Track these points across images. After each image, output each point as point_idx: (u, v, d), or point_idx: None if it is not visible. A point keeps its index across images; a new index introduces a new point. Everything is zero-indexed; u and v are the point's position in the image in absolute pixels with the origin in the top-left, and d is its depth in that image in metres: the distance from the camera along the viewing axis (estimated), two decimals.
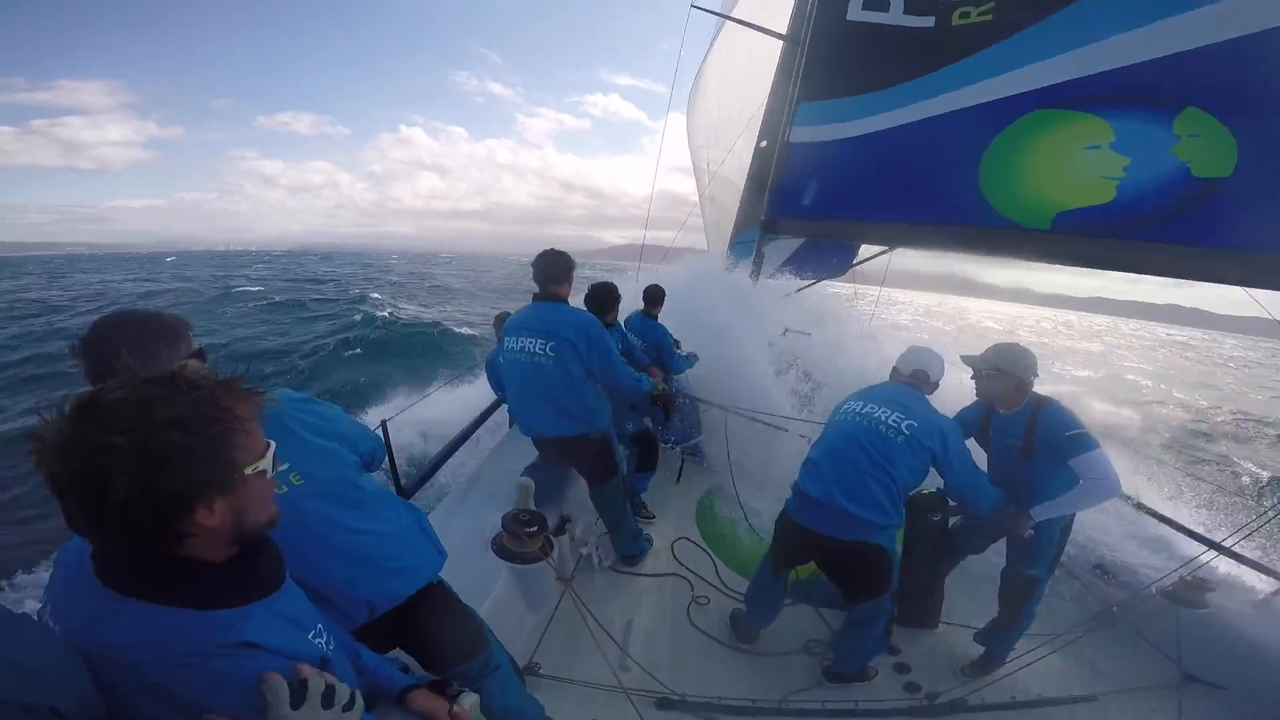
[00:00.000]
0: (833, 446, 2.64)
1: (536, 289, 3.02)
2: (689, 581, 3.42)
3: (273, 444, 0.95)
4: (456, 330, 19.40)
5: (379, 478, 2.38)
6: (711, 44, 10.12)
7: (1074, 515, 2.84)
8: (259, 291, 31.96)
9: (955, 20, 4.98)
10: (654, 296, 4.44)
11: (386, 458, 2.72)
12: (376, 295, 27.83)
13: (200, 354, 1.36)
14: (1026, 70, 4.55)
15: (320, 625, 1.07)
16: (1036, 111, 4.51)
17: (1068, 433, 2.61)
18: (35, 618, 0.92)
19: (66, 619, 0.88)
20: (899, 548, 2.78)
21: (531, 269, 3.00)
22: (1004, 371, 2.74)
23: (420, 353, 16.42)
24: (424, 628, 1.64)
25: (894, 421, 2.53)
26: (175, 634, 0.85)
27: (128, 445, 0.76)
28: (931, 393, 2.75)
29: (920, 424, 2.51)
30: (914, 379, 2.74)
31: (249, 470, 0.89)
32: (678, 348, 4.46)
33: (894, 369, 2.83)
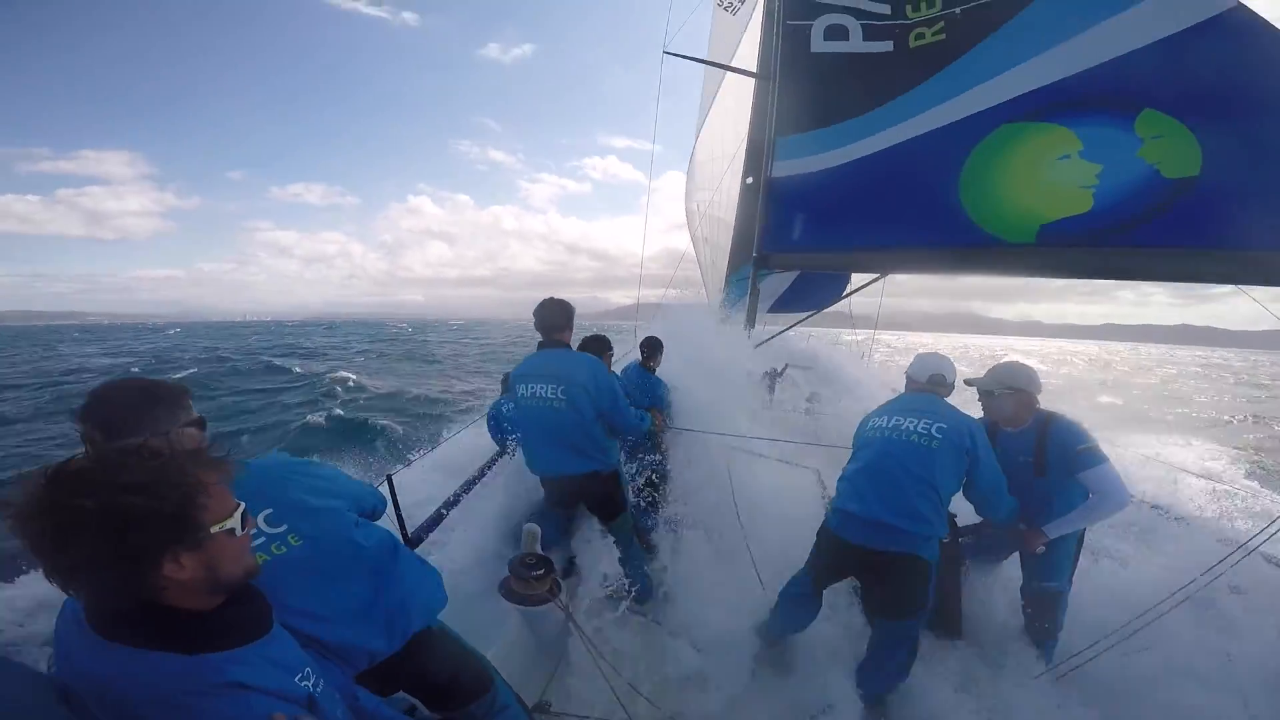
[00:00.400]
0: (868, 463, 2.64)
1: (540, 339, 3.15)
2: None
3: (241, 505, 1.04)
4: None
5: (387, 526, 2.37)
6: (703, 97, 10.34)
7: (1085, 529, 2.84)
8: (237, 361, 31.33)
9: (912, 43, 5.09)
10: (652, 347, 4.47)
11: (391, 509, 2.76)
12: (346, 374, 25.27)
13: (200, 422, 1.43)
14: (986, 86, 4.64)
15: (308, 669, 1.14)
16: (1004, 126, 4.57)
17: (1080, 447, 2.66)
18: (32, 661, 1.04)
19: (66, 664, 0.98)
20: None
21: (534, 318, 3.12)
22: (1017, 389, 2.80)
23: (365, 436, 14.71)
24: (424, 670, 1.70)
25: (923, 429, 2.55)
26: (165, 676, 0.93)
27: (93, 507, 0.85)
28: (948, 395, 2.77)
29: (950, 425, 2.55)
30: (931, 384, 2.78)
31: (215, 529, 0.98)
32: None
33: (909, 379, 2.88)
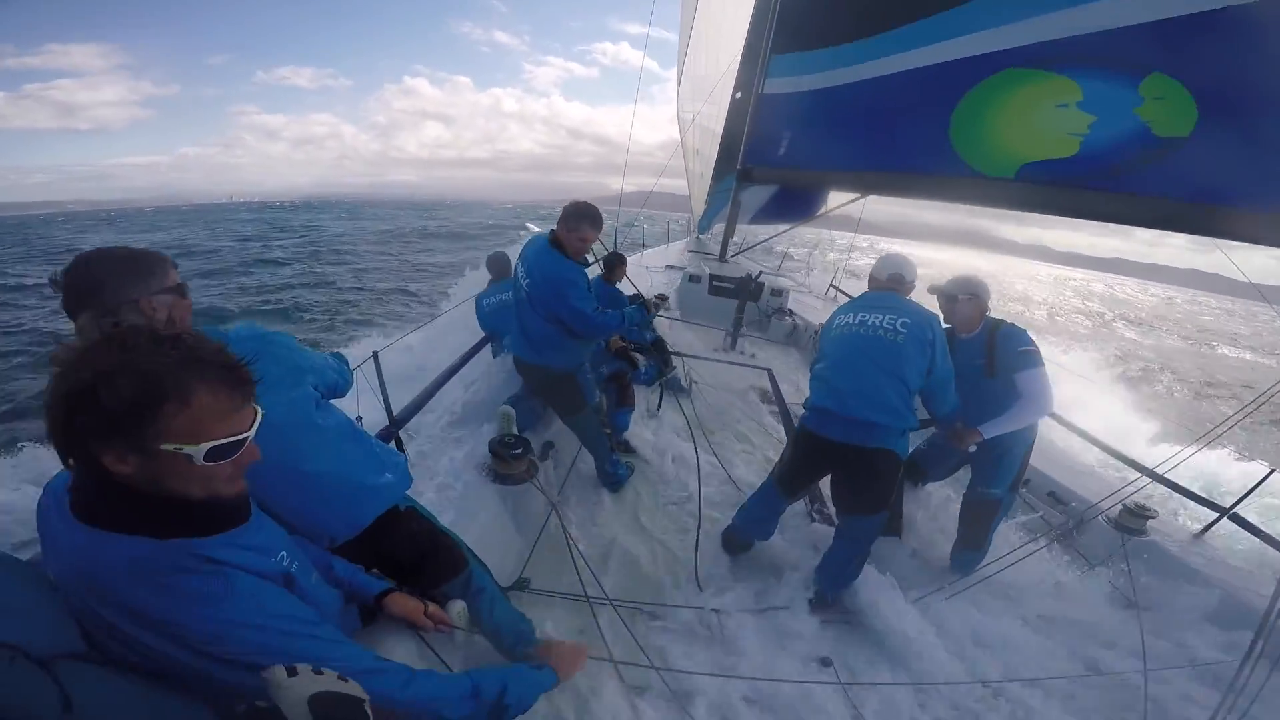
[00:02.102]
0: (839, 359, 2.71)
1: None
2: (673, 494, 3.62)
3: (235, 437, 0.98)
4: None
5: (373, 408, 2.52)
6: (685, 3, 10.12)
7: (1033, 441, 3.00)
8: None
9: None
10: (612, 263, 4.72)
11: (378, 389, 2.90)
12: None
13: (179, 288, 1.39)
14: (1003, 30, 4.57)
15: (284, 552, 1.18)
16: (1009, 69, 4.57)
17: (1020, 348, 2.81)
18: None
19: (52, 550, 1.00)
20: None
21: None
22: (977, 295, 2.95)
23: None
24: (392, 550, 1.73)
25: (889, 324, 2.63)
26: (137, 558, 0.94)
27: (58, 383, 0.87)
28: (909, 293, 2.87)
29: (912, 320, 2.62)
30: (892, 282, 2.85)
31: (166, 447, 0.91)
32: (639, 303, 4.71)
33: (871, 278, 2.95)
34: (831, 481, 2.87)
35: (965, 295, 2.95)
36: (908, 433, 2.64)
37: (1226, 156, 3.77)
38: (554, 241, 3.01)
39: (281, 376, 1.50)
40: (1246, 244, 3.87)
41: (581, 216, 2.97)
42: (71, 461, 0.92)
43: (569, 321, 3.00)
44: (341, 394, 1.81)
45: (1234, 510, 3.29)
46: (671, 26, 9.39)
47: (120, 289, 1.29)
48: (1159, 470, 3.09)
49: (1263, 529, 3.20)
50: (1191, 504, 3.50)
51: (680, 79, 11.25)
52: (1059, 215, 4.73)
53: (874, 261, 3.03)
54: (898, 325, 2.61)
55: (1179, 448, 3.04)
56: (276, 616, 1.04)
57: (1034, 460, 3.22)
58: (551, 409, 3.55)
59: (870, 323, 2.67)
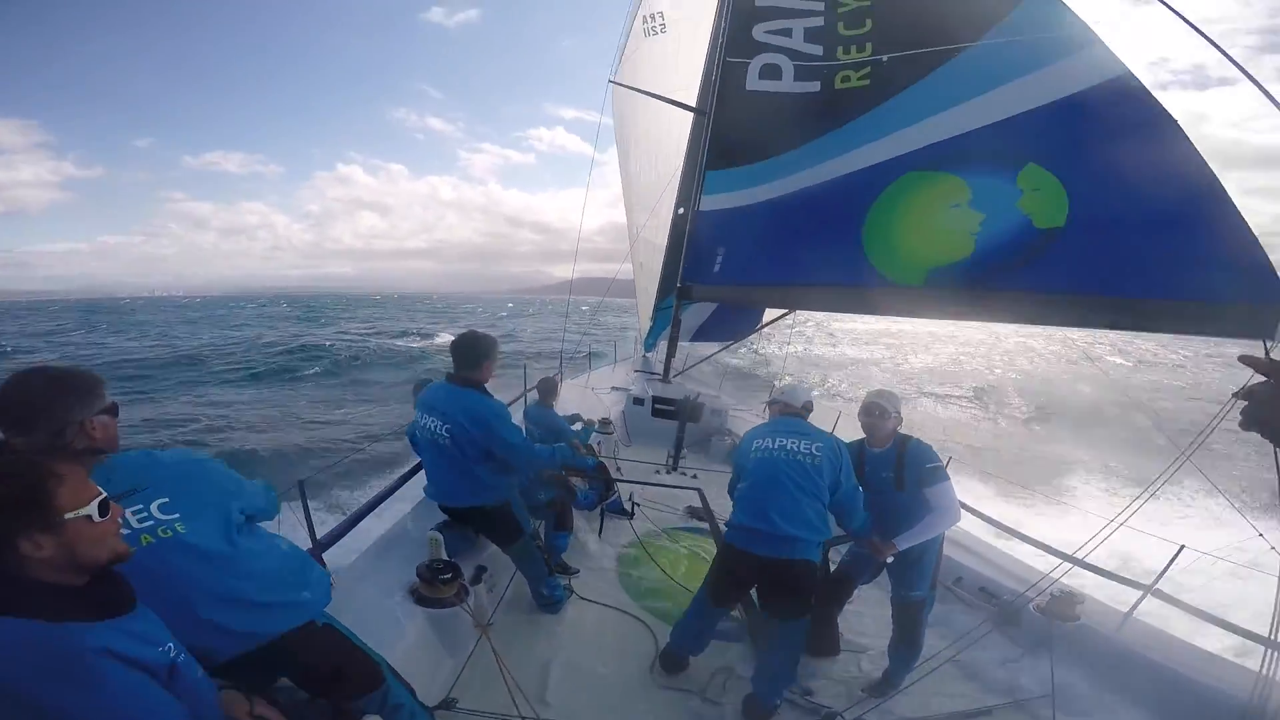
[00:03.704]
0: (760, 480, 2.95)
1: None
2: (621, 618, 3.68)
3: (101, 495, 1.16)
4: None
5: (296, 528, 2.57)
6: (618, 113, 10.50)
7: (943, 540, 3.21)
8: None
9: (838, 84, 5.27)
10: (548, 389, 5.11)
11: (301, 514, 2.98)
12: None
13: (113, 409, 1.56)
14: (901, 134, 4.86)
15: (170, 644, 1.26)
16: (909, 174, 4.82)
17: (928, 465, 3.04)
18: None
19: None
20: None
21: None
22: (898, 413, 3.18)
23: None
24: (305, 662, 1.78)
25: (805, 448, 2.93)
26: (31, 640, 1.04)
27: None
28: (808, 417, 3.17)
29: (824, 444, 2.95)
30: (805, 410, 3.17)
31: (69, 515, 1.10)
32: (578, 424, 5.19)
33: (784, 405, 3.22)
34: (758, 593, 3.09)
35: (894, 412, 3.20)
36: (822, 544, 2.92)
37: (1098, 244, 3.98)
38: (463, 382, 3.11)
39: (212, 500, 1.63)
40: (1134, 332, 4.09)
41: (482, 353, 3.12)
42: None
43: (502, 454, 3.08)
44: (269, 519, 1.90)
45: (1155, 587, 3.42)
46: (604, 110, 9.65)
47: (66, 411, 1.42)
48: (1078, 554, 3.21)
49: (1184, 601, 3.36)
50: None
51: (625, 189, 11.36)
52: (968, 320, 5.02)
53: (784, 385, 3.41)
54: (813, 449, 2.92)
55: (1100, 522, 3.12)
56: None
57: (963, 558, 3.71)
58: (484, 537, 3.60)
59: (789, 447, 2.95)
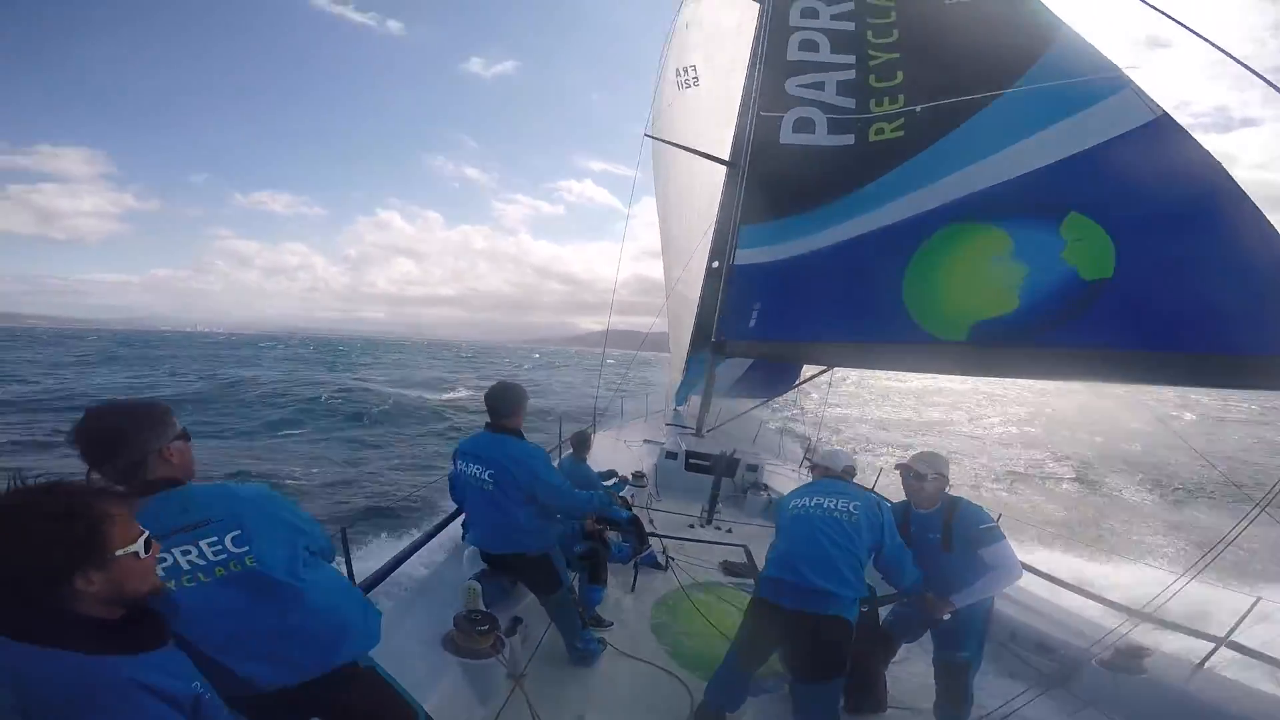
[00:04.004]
0: (794, 535, 2.97)
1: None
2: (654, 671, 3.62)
3: (145, 532, 1.22)
4: None
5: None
6: (656, 166, 10.53)
7: (992, 602, 3.17)
8: None
9: (872, 136, 5.23)
10: (581, 442, 5.15)
11: (344, 554, 3.04)
12: None
13: (185, 435, 1.67)
14: (937, 185, 4.77)
15: (197, 681, 1.28)
16: (949, 226, 4.70)
17: (981, 526, 3.03)
18: None
19: None
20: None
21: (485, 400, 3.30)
22: (943, 475, 3.18)
23: None
24: (344, 704, 1.76)
25: (843, 506, 2.95)
26: (66, 671, 1.09)
27: (13, 535, 1.07)
28: (853, 478, 3.23)
29: (863, 503, 2.98)
30: (846, 473, 3.21)
31: (119, 553, 1.16)
32: (612, 480, 5.31)
33: (824, 469, 3.27)
34: (787, 651, 2.98)
35: (933, 475, 3.19)
36: (857, 601, 2.85)
37: (1148, 293, 3.84)
38: (500, 429, 3.22)
39: (283, 536, 1.66)
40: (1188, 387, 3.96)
41: (515, 401, 3.25)
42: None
43: (544, 497, 3.16)
44: (328, 559, 1.89)
45: (1230, 638, 3.30)
46: (630, 164, 9.77)
47: (144, 442, 1.53)
48: (1147, 609, 3.14)
49: (1264, 652, 3.24)
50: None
51: (665, 243, 11.31)
52: (1012, 377, 4.81)
53: (825, 450, 3.47)
54: (850, 508, 2.94)
55: (1171, 576, 3.06)
56: None
57: (1017, 613, 3.68)
58: (524, 586, 3.63)
59: (826, 505, 2.98)
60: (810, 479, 3.44)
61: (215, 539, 1.52)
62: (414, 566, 3.69)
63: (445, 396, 32.46)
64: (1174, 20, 3.87)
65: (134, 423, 1.52)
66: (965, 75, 4.77)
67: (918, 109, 5.04)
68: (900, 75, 5.20)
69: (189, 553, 1.49)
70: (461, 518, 4.25)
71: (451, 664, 2.84)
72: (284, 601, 1.61)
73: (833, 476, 3.24)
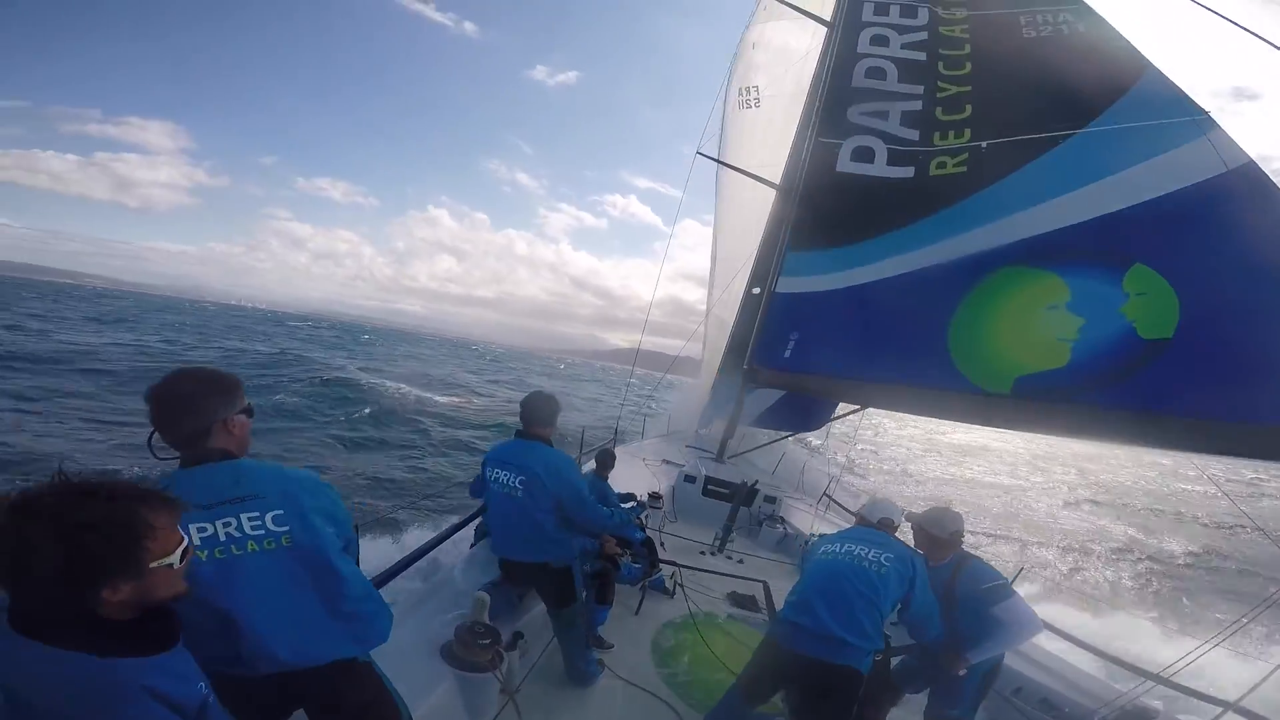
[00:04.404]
0: (819, 580, 2.88)
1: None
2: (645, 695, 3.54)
3: (185, 542, 1.19)
4: None
5: None
6: (718, 184, 10.39)
7: (1001, 659, 3.16)
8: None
9: (933, 170, 5.07)
10: (604, 461, 5.12)
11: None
12: None
13: (250, 410, 1.71)
14: (997, 225, 4.59)
15: (203, 683, 1.26)
16: (1005, 268, 4.52)
17: (986, 585, 3.01)
18: None
19: None
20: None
21: (520, 407, 3.31)
22: (956, 532, 3.20)
23: None
24: (335, 695, 1.73)
25: (874, 556, 2.85)
26: (78, 674, 1.06)
27: (50, 538, 1.00)
28: (894, 533, 3.11)
29: (896, 556, 2.87)
30: (882, 525, 3.11)
31: (154, 565, 1.12)
32: (630, 504, 5.26)
33: (860, 517, 3.22)
34: (792, 698, 2.94)
35: (937, 533, 3.23)
36: (872, 654, 2.77)
37: (1211, 357, 3.61)
38: (533, 436, 3.23)
39: (321, 522, 1.65)
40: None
41: (552, 411, 3.27)
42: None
43: (571, 507, 3.18)
44: (353, 556, 1.88)
45: (1240, 704, 3.22)
46: (677, 183, 9.69)
47: (212, 410, 1.57)
48: (1162, 673, 3.09)
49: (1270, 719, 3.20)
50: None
51: (713, 263, 11.17)
52: (1054, 435, 4.60)
53: (875, 499, 3.37)
54: (882, 559, 2.84)
55: (1191, 644, 3.05)
56: None
57: (1024, 668, 3.59)
58: (540, 599, 3.56)
59: (856, 553, 2.89)
60: (832, 520, 3.39)
61: (257, 514, 1.54)
62: (415, 569, 3.61)
63: (444, 399, 28.93)
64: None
65: (204, 390, 1.58)
66: (1036, 112, 4.60)
67: (983, 145, 4.87)
68: (969, 109, 5.06)
69: (229, 524, 1.51)
70: (475, 523, 4.24)
71: (447, 674, 2.78)
72: (321, 586, 1.62)
73: (870, 526, 3.15)
